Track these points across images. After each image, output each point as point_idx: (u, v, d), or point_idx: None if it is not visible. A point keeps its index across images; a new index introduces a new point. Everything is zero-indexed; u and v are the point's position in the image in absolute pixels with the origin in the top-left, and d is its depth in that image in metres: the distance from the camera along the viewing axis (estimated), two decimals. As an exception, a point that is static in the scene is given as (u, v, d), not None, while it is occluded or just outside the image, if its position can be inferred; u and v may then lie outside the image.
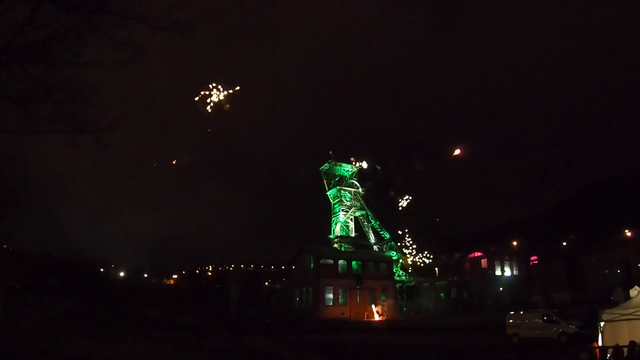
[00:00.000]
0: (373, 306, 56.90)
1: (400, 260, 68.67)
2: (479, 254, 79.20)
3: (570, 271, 64.83)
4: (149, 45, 10.40)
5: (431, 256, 77.37)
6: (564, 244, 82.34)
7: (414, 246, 73.32)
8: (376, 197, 72.11)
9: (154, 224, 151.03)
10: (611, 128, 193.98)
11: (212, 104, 54.98)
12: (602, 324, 14.24)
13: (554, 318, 24.25)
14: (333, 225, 67.87)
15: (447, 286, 71.19)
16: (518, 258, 77.26)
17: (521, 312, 27.06)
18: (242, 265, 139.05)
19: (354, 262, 59.75)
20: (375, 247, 68.45)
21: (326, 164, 68.41)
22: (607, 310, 14.68)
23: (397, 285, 63.76)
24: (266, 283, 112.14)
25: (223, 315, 58.61)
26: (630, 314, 13.63)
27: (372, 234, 68.94)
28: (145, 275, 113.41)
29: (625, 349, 12.50)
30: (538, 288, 65.82)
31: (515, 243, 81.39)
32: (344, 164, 69.67)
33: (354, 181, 69.41)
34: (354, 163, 70.49)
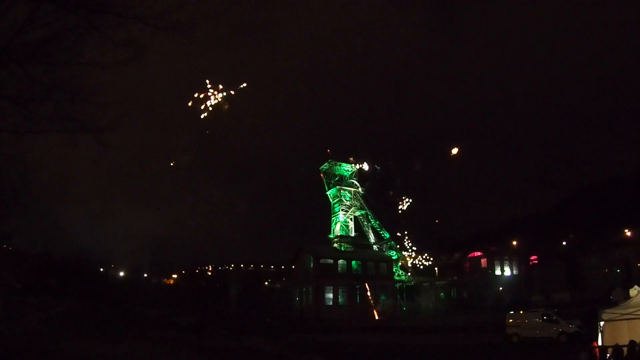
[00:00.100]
0: (373, 306, 56.93)
1: (400, 260, 68.68)
2: (479, 253, 79.19)
3: (570, 271, 64.84)
4: (149, 45, 10.41)
5: (431, 259, 77.48)
6: (564, 243, 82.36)
7: (414, 248, 73.39)
8: (376, 197, 72.12)
9: (154, 224, 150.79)
10: (611, 128, 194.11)
11: (210, 106, 53.62)
12: (601, 323, 14.24)
13: (554, 318, 24.27)
14: (333, 225, 67.86)
15: (447, 286, 71.19)
16: (518, 258, 77.25)
17: (521, 312, 27.07)
18: (242, 265, 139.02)
19: (353, 262, 59.77)
20: (375, 246, 68.47)
21: (326, 164, 68.38)
22: (607, 310, 14.69)
23: (397, 285, 63.78)
24: (266, 283, 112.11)
25: (223, 315, 58.63)
26: (630, 314, 13.64)
27: (372, 234, 68.95)
28: (145, 275, 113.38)
29: (625, 349, 12.52)
30: (538, 288, 65.83)
31: (515, 243, 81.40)
32: (343, 164, 69.64)
33: (353, 181, 69.40)
34: (353, 164, 70.45)
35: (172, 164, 76.15)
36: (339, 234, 66.24)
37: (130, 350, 18.84)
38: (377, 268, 61.45)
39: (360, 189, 68.89)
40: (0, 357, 14.80)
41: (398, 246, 69.93)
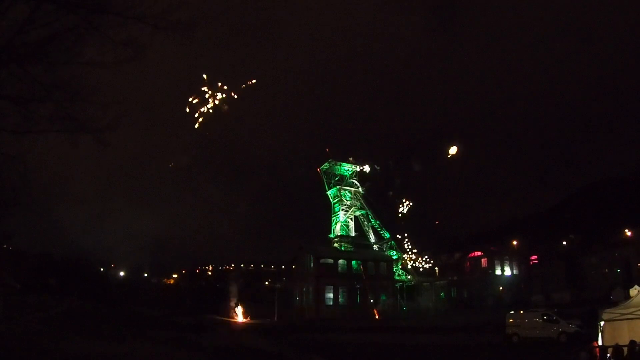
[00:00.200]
0: (373, 305, 56.93)
1: (400, 260, 68.68)
2: (479, 253, 79.17)
3: (570, 271, 64.82)
4: (149, 45, 10.40)
5: (432, 261, 77.55)
6: (564, 243, 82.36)
7: (414, 251, 73.44)
8: (376, 197, 72.13)
9: (154, 224, 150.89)
10: (611, 128, 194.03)
11: (209, 109, 50.85)
12: (602, 323, 14.26)
13: (554, 317, 24.27)
14: (333, 224, 67.86)
15: (447, 285, 71.18)
16: (518, 258, 77.23)
17: (521, 312, 27.08)
18: (242, 265, 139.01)
19: (353, 262, 59.78)
20: (375, 246, 68.48)
21: (326, 164, 68.35)
22: (607, 310, 14.70)
23: (397, 285, 63.80)
24: (266, 282, 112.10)
25: (223, 314, 58.54)
26: (630, 314, 13.65)
27: (372, 234, 68.96)
28: (145, 275, 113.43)
29: (625, 349, 12.52)
30: (538, 288, 65.82)
31: (515, 243, 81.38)
32: (343, 164, 69.61)
33: (354, 180, 69.39)
34: (353, 164, 70.38)
35: (171, 165, 75.91)
36: (339, 234, 66.25)
37: (130, 350, 18.84)
38: (378, 268, 61.44)
39: (360, 189, 68.89)
40: (1, 357, 14.79)
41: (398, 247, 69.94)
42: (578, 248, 73.26)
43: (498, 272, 74.95)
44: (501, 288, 70.63)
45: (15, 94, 9.88)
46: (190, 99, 46.32)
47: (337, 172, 69.34)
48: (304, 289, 59.52)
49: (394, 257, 66.81)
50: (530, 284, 68.12)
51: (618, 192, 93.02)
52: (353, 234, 67.33)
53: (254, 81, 49.03)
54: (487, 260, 76.56)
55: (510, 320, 25.90)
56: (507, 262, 76.42)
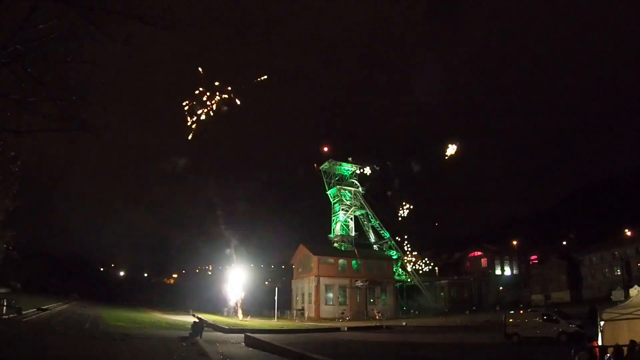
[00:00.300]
0: (373, 305, 56.96)
1: (400, 260, 68.71)
2: (479, 253, 79.29)
3: (570, 270, 64.83)
4: (149, 45, 10.41)
5: (432, 263, 77.63)
6: (564, 243, 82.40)
7: (414, 253, 73.48)
8: (376, 197, 72.12)
9: (154, 224, 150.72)
10: (611, 128, 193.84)
11: (209, 111, 48.63)
12: (602, 323, 14.24)
13: (554, 317, 24.22)
14: (333, 224, 67.88)
15: (447, 285, 71.28)
16: (518, 257, 77.35)
17: (521, 312, 27.06)
18: (242, 265, 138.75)
19: (353, 262, 59.81)
20: (375, 246, 68.51)
21: (326, 164, 68.35)
22: (607, 310, 14.69)
23: (397, 285, 63.82)
24: (266, 282, 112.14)
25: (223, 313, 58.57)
26: (630, 314, 13.63)
27: (372, 233, 68.99)
28: (145, 275, 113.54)
29: (625, 348, 12.50)
30: (538, 287, 65.89)
31: (515, 242, 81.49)
32: (343, 164, 69.60)
33: (354, 180, 69.39)
34: (353, 165, 70.32)
35: (171, 166, 75.45)
36: (339, 234, 66.27)
37: (130, 348, 18.86)
38: (378, 267, 61.47)
39: (360, 189, 68.90)
40: (1, 357, 14.79)
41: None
42: (578, 247, 73.27)
43: (498, 272, 75.05)
44: (501, 288, 70.68)
45: (15, 93, 9.89)
46: (184, 105, 42.44)
47: (337, 172, 69.33)
48: (304, 289, 59.55)
49: (394, 257, 66.83)
50: (530, 284, 68.17)
51: (618, 192, 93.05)
52: (353, 234, 67.36)
53: (265, 77, 46.60)
54: (487, 260, 76.67)
55: (510, 320, 25.88)
56: (507, 261, 76.53)
